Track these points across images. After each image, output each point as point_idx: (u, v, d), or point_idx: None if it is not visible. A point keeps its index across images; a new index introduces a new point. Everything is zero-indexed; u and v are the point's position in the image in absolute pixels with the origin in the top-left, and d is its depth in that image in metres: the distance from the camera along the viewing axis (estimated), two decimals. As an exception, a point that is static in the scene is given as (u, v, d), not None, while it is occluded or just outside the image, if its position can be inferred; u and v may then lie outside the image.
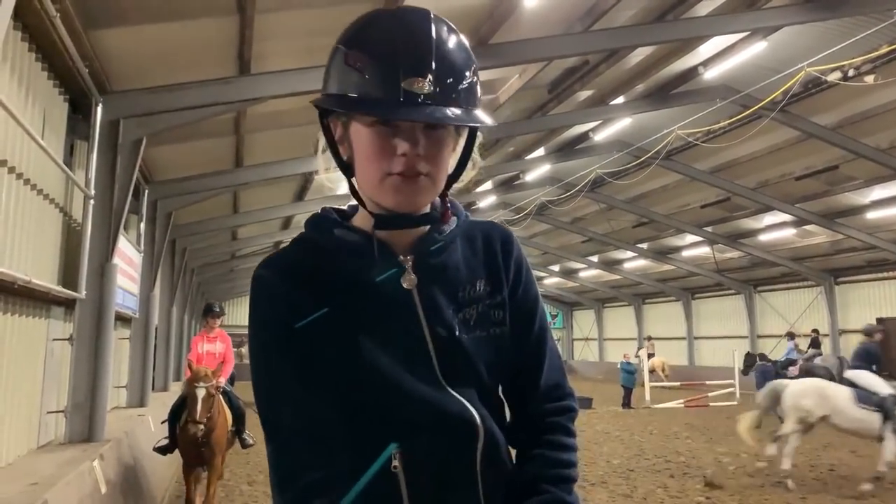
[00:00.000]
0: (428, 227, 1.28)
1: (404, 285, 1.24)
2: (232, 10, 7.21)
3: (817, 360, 20.26)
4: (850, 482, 8.74)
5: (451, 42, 1.17)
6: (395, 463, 1.16)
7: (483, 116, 1.17)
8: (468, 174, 1.30)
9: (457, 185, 1.30)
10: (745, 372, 18.96)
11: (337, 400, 1.20)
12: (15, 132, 5.12)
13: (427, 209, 1.27)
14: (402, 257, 1.25)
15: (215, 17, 7.37)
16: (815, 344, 21.74)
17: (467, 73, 1.17)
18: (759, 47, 11.74)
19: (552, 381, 1.36)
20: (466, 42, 1.21)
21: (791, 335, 19.37)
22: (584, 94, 14.15)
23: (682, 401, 19.31)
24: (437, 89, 1.11)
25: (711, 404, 19.44)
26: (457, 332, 1.25)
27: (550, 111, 14.14)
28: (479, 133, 1.28)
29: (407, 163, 1.14)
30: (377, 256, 1.23)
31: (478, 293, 1.30)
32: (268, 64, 8.48)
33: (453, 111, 1.13)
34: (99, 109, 6.93)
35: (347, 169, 1.24)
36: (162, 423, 7.80)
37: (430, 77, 1.11)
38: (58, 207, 6.72)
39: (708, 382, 22.36)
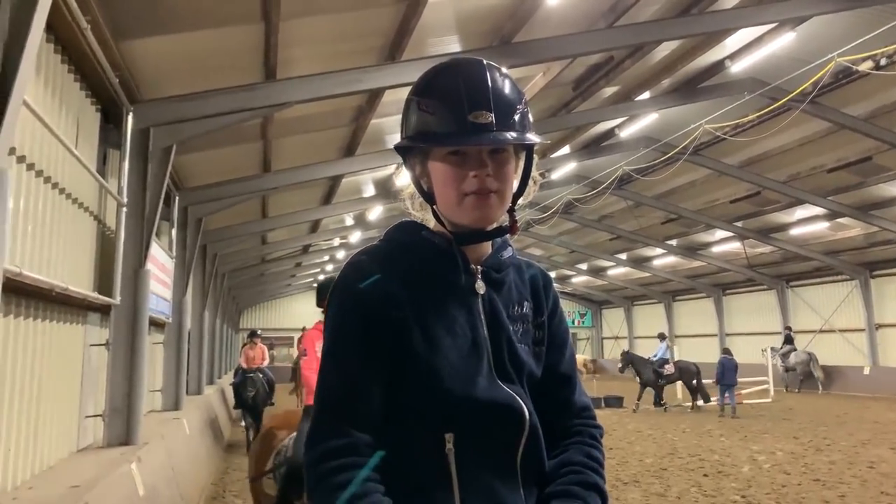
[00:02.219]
0: (493, 245, 1.51)
1: (479, 290, 1.45)
2: (257, 17, 7.31)
3: (791, 357, 23.21)
4: (891, 479, 8.57)
5: (503, 81, 1.40)
6: (449, 445, 1.33)
7: (533, 137, 1.40)
8: (530, 190, 1.50)
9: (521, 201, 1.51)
10: (621, 370, 19.62)
11: (397, 377, 1.36)
12: (50, 142, 5.24)
13: (497, 224, 1.46)
14: (473, 266, 1.46)
15: (241, 25, 7.47)
16: (789, 340, 24.48)
17: (518, 106, 1.39)
18: (787, 38, 11.56)
19: (583, 403, 1.57)
20: (514, 81, 1.44)
21: (662, 336, 20.15)
22: (609, 91, 14.07)
23: (714, 398, 19.06)
24: (496, 119, 1.34)
25: (745, 401, 19.19)
26: (511, 337, 1.45)
27: (575, 109, 14.08)
28: (535, 155, 1.48)
29: (478, 182, 1.35)
30: (459, 261, 1.44)
31: (524, 312, 1.52)
32: (293, 69, 8.57)
33: (511, 135, 1.35)
34: (130, 118, 7.04)
35: (429, 198, 1.44)
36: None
37: (490, 110, 1.34)
38: (92, 215, 6.85)
39: (740, 380, 22.07)
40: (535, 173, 1.49)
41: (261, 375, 12.72)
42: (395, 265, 1.42)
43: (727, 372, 16.84)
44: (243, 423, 12.99)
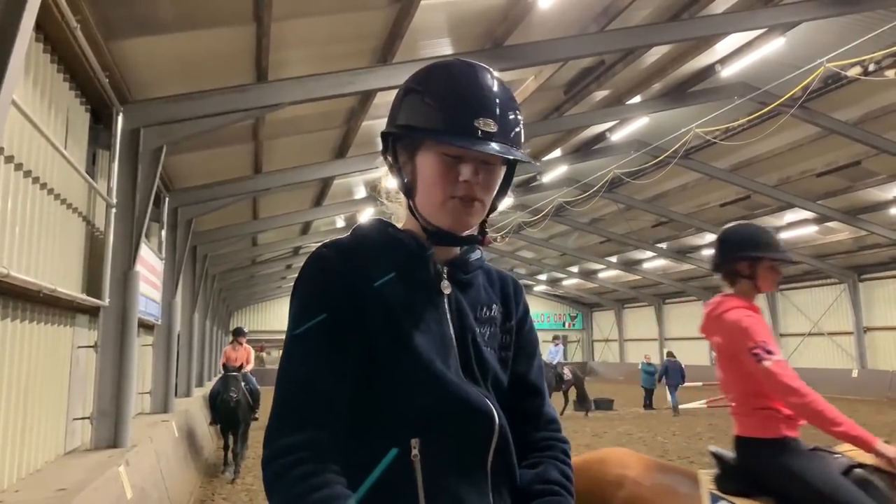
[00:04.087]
0: (462, 247, 1.47)
1: (444, 290, 1.42)
2: (249, 18, 7.29)
3: None
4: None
5: (506, 92, 1.39)
6: (415, 451, 1.27)
7: (524, 155, 1.38)
8: (504, 202, 1.48)
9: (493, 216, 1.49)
10: None
11: (363, 375, 1.30)
12: (39, 142, 5.21)
13: (471, 231, 1.43)
14: (439, 266, 1.43)
15: (233, 26, 7.45)
16: None
17: (518, 120, 1.40)
18: (777, 44, 11.63)
19: (550, 416, 1.54)
20: (513, 94, 1.43)
21: (557, 338, 20.34)
22: (601, 95, 14.11)
23: (704, 401, 19.16)
24: (500, 131, 1.33)
25: (735, 404, 19.26)
26: (477, 339, 1.42)
27: (567, 112, 14.10)
28: (516, 168, 1.47)
29: (467, 189, 1.34)
30: (427, 259, 1.41)
31: (493, 316, 1.49)
32: (285, 71, 8.55)
33: (514, 149, 1.35)
34: (120, 119, 7.02)
35: (409, 191, 1.41)
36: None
37: (496, 119, 1.33)
38: (81, 216, 6.81)
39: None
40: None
41: (243, 384, 10.26)
42: (362, 260, 1.37)
43: (671, 373, 18.48)
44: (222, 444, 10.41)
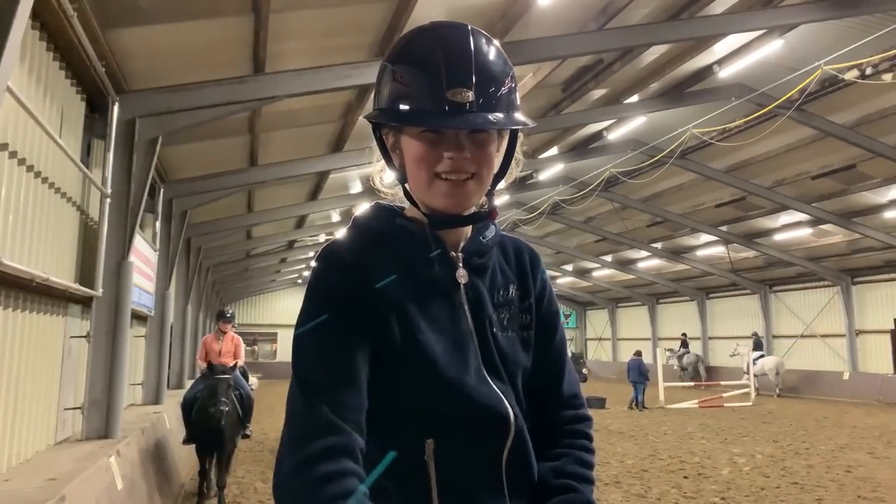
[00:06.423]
0: (473, 227, 1.38)
1: (460, 280, 1.33)
2: (247, 9, 7.26)
3: (684, 358, 28.99)
4: (868, 483, 8.66)
5: (490, 53, 1.26)
6: (429, 452, 1.22)
7: (522, 118, 1.27)
8: (513, 171, 1.38)
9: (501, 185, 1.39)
10: None
11: (376, 377, 1.24)
12: (34, 131, 5.18)
13: (475, 208, 1.34)
14: (452, 253, 1.35)
15: (230, 17, 7.42)
16: (685, 344, 30.04)
17: (506, 80, 1.26)
18: (775, 45, 11.65)
19: (571, 391, 1.47)
20: (503, 51, 1.30)
21: None
22: (598, 93, 14.11)
23: (696, 401, 19.23)
24: (479, 98, 1.21)
25: (726, 405, 19.35)
26: (495, 329, 1.35)
27: (564, 110, 14.11)
28: (520, 133, 1.36)
29: (453, 165, 1.24)
30: (434, 249, 1.32)
31: (510, 297, 1.40)
32: (282, 63, 8.53)
33: (495, 116, 1.22)
34: (115, 108, 6.99)
35: (401, 175, 1.33)
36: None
37: (471, 87, 1.20)
38: (75, 206, 6.78)
39: (723, 383, 22.35)
40: (518, 154, 1.38)
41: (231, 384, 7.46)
42: (370, 255, 1.30)
43: (630, 371, 19.34)
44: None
